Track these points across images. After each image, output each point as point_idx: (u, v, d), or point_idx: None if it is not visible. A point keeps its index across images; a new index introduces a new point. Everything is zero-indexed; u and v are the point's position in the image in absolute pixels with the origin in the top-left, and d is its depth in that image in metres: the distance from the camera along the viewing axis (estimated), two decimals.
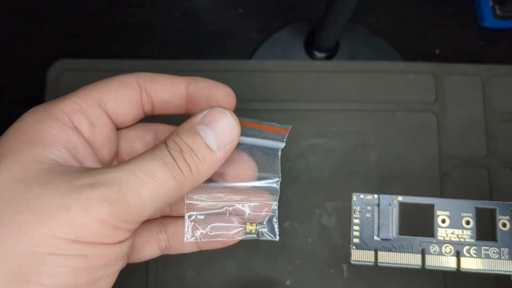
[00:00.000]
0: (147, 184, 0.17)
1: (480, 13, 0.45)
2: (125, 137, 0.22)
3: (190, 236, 0.22)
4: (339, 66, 0.41)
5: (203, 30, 0.44)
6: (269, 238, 0.22)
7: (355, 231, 0.26)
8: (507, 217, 0.25)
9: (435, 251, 0.25)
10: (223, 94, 0.22)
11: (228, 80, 0.41)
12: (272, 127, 0.23)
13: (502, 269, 0.24)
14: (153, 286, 0.37)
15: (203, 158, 0.19)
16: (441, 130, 0.40)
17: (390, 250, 0.25)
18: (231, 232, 0.22)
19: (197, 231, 0.22)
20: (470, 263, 0.25)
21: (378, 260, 0.25)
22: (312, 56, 0.43)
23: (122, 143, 0.22)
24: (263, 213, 0.22)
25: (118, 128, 0.21)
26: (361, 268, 0.38)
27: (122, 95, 0.20)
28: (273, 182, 0.22)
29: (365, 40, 0.44)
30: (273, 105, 0.40)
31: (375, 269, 0.38)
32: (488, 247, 0.25)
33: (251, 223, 0.22)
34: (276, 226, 0.22)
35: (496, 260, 0.24)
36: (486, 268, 0.24)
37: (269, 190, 0.22)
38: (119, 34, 0.43)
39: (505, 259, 0.24)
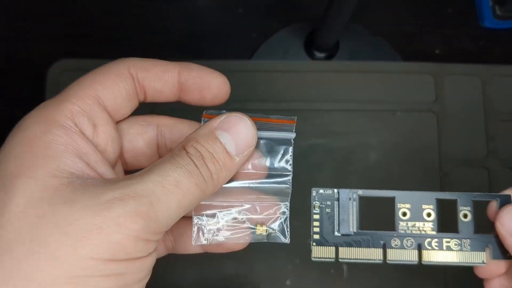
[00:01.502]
0: (174, 194, 0.17)
1: (480, 13, 0.45)
2: (126, 135, 0.21)
3: (197, 239, 0.21)
4: (339, 66, 0.41)
5: (203, 30, 0.44)
6: (280, 241, 0.22)
7: (315, 227, 0.25)
8: (468, 208, 0.24)
9: (396, 245, 0.24)
10: (218, 83, 0.21)
11: (228, 80, 0.41)
12: (279, 120, 0.22)
13: (464, 261, 0.24)
14: (153, 286, 0.37)
15: (223, 165, 0.18)
16: (441, 130, 0.40)
17: (351, 246, 0.24)
18: (240, 235, 0.21)
19: (205, 234, 0.21)
20: (432, 256, 0.24)
21: (339, 256, 0.24)
22: (312, 56, 0.43)
23: (123, 141, 0.21)
24: (274, 214, 0.21)
25: (117, 122, 0.20)
26: (362, 268, 0.38)
27: (119, 89, 0.19)
28: (285, 181, 0.21)
29: (365, 40, 0.44)
30: (273, 105, 0.40)
31: (375, 268, 0.38)
32: (449, 239, 0.24)
33: (261, 225, 0.22)
34: (287, 228, 0.22)
35: (457, 252, 0.24)
36: (448, 261, 0.24)
37: (280, 189, 0.21)
38: (119, 34, 0.43)
39: (466, 251, 0.24)
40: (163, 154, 0.21)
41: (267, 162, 0.21)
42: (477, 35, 0.45)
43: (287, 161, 0.22)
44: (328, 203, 0.25)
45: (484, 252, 0.24)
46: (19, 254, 0.15)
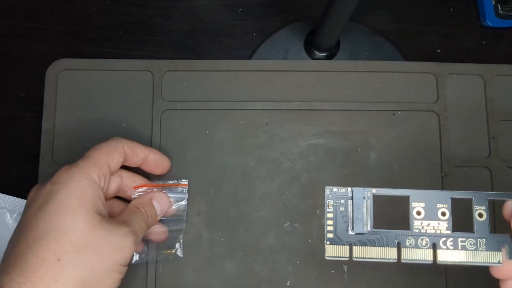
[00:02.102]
0: (141, 231, 0.33)
1: (482, 12, 0.44)
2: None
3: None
4: (339, 66, 0.41)
5: (202, 30, 0.43)
6: (177, 257, 0.37)
7: (329, 225, 0.25)
8: (484, 207, 0.24)
9: (411, 244, 0.24)
10: (166, 164, 0.37)
11: (228, 80, 0.41)
12: (178, 184, 0.38)
13: (479, 261, 0.24)
14: (152, 286, 0.37)
15: (154, 220, 0.35)
16: (442, 130, 0.40)
17: (365, 245, 0.24)
18: (156, 254, 0.37)
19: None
20: (447, 256, 0.24)
21: (353, 255, 0.24)
22: (312, 56, 0.42)
23: None
24: (176, 244, 0.38)
25: None
26: (362, 269, 0.38)
27: (118, 159, 0.33)
28: (181, 221, 0.38)
29: (366, 40, 0.43)
30: (273, 105, 0.40)
31: (376, 269, 0.38)
32: (464, 239, 0.24)
33: (169, 249, 0.37)
34: (181, 248, 0.37)
35: (473, 251, 0.24)
36: (463, 260, 0.24)
37: (177, 230, 0.37)
38: (118, 33, 0.43)
39: (482, 250, 0.24)
40: (121, 193, 0.36)
41: (172, 211, 0.37)
42: (479, 34, 0.45)
43: (183, 211, 0.38)
44: (342, 201, 0.25)
45: (500, 252, 0.24)
46: (87, 255, 0.29)
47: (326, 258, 0.24)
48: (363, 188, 0.25)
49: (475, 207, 0.24)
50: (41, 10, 0.43)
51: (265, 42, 0.43)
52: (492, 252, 0.24)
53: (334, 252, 0.25)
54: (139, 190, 0.36)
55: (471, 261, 0.24)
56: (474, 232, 0.24)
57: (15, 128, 0.41)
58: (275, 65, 0.41)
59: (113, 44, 0.43)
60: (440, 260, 0.24)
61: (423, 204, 0.24)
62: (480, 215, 0.24)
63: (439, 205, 0.24)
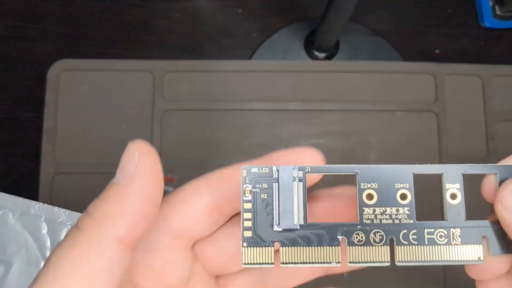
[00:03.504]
0: None
1: (480, 13, 0.45)
2: None
3: None
4: (339, 66, 0.41)
5: (203, 30, 0.44)
6: None
7: (246, 220, 0.17)
8: (457, 186, 0.17)
9: (360, 241, 0.17)
10: None
11: (228, 80, 0.41)
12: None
13: (453, 259, 0.17)
14: None
15: None
16: (441, 130, 0.40)
17: (297, 245, 0.17)
18: None
19: None
20: (409, 254, 0.17)
21: (281, 260, 0.17)
22: (312, 56, 0.43)
23: None
24: None
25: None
26: (362, 269, 0.38)
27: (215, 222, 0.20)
28: None
29: (365, 40, 0.44)
30: (273, 105, 0.40)
31: (376, 269, 0.38)
32: (432, 229, 0.17)
33: None
34: None
35: (444, 246, 0.17)
36: (431, 259, 0.17)
37: None
38: (119, 34, 0.43)
39: (456, 244, 0.17)
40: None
41: None
42: (477, 35, 0.45)
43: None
44: (264, 185, 0.18)
45: (480, 246, 0.17)
46: None
47: (243, 266, 0.17)
48: (293, 166, 0.18)
49: (447, 185, 0.17)
50: (42, 11, 0.44)
51: (265, 42, 0.43)
52: (469, 245, 0.17)
53: (254, 257, 0.17)
54: None
55: (442, 259, 0.17)
56: (445, 220, 0.17)
57: (16, 128, 0.41)
58: (275, 66, 0.41)
59: (114, 45, 0.43)
60: (399, 260, 0.17)
61: (375, 185, 0.17)
62: (453, 196, 0.17)
63: (397, 185, 0.17)
